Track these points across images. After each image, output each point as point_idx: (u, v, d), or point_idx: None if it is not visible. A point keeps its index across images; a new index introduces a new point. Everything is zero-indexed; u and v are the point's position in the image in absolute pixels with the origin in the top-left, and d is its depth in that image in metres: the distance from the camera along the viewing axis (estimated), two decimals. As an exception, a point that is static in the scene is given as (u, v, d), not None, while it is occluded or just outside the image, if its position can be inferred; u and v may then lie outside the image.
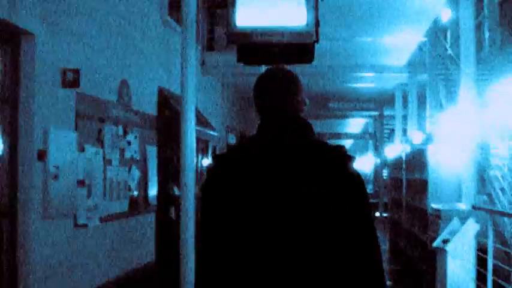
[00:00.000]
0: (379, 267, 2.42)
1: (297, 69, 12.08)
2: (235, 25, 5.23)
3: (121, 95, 10.13)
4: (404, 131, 17.39)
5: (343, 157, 2.46)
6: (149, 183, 11.24)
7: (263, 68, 11.71)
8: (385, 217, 21.09)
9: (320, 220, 2.36)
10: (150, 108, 11.53)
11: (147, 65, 11.44)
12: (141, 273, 10.74)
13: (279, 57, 6.68)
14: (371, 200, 16.70)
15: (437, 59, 13.65)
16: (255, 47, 6.17)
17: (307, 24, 5.18)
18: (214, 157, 2.67)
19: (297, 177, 2.41)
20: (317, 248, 2.36)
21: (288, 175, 2.42)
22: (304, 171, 2.42)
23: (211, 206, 2.54)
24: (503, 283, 8.06)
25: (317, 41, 5.23)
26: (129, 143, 10.28)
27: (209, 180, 2.59)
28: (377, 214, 24.52)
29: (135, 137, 10.60)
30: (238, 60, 5.80)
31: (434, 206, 9.31)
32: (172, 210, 11.86)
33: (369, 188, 27.50)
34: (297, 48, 5.98)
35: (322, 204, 2.37)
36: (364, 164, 32.88)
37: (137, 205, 10.66)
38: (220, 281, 2.45)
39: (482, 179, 10.51)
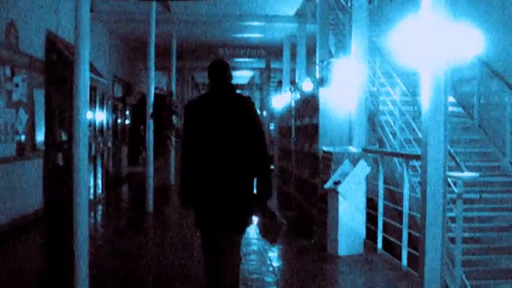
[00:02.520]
0: (265, 147, 5.27)
1: (184, 16, 11.81)
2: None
3: (8, 35, 9.69)
4: (292, 82, 17.52)
5: (249, 100, 5.42)
6: (37, 128, 10.88)
7: (152, 22, 11.35)
8: (271, 170, 21.33)
9: (237, 126, 5.19)
10: (38, 51, 11.12)
11: (35, 7, 10.98)
12: (30, 219, 10.43)
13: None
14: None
15: (328, 8, 13.74)
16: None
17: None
18: (190, 100, 5.89)
19: (228, 106, 5.26)
20: (236, 138, 5.17)
21: (223, 106, 5.25)
22: (231, 103, 5.27)
23: (185, 119, 5.32)
24: (392, 223, 8.32)
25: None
26: (16, 85, 9.88)
27: (186, 107, 5.41)
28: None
29: (23, 79, 10.19)
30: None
31: (325, 148, 9.43)
32: (60, 156, 11.57)
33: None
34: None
35: (238, 118, 5.21)
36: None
37: (24, 150, 10.30)
38: (191, 154, 5.23)
39: (373, 124, 10.74)
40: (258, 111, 5.61)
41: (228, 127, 5.17)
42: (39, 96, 11.02)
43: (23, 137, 10.19)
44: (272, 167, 21.03)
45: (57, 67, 11.49)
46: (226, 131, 5.17)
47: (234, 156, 5.16)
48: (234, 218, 5.18)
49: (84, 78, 6.33)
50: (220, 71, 5.32)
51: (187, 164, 5.27)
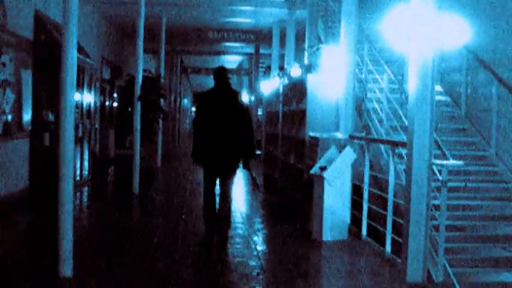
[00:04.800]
0: (252, 130, 8.33)
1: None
2: None
3: (-4, 14, 9.62)
4: (281, 68, 17.50)
5: (240, 93, 8.65)
6: (23, 108, 10.81)
7: (142, 4, 11.28)
8: (258, 155, 21.36)
9: (232, 112, 8.07)
10: (26, 31, 11.03)
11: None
12: (15, 198, 10.40)
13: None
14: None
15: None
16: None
17: None
18: (201, 91, 10.07)
19: (227, 98, 8.16)
20: (232, 122, 8.02)
21: (224, 98, 8.15)
22: (229, 97, 8.19)
23: (198, 105, 8.37)
24: (377, 209, 8.36)
25: None
26: (3, 64, 9.80)
27: (200, 95, 8.67)
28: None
29: (10, 59, 10.11)
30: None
31: (312, 134, 9.45)
32: (47, 136, 11.51)
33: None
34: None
35: (234, 107, 8.11)
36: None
37: (11, 129, 10.24)
38: (201, 129, 8.11)
39: (360, 111, 10.77)
40: (245, 98, 7.65)
41: (226, 112, 8.07)
42: (27, 76, 10.96)
43: (9, 117, 10.14)
44: (259, 152, 21.08)
45: (45, 47, 11.41)
46: (225, 115, 8.05)
47: (229, 131, 8.02)
48: (227, 169, 8.16)
49: (71, 59, 6.31)
50: (222, 75, 8.27)
51: (198, 135, 8.22)
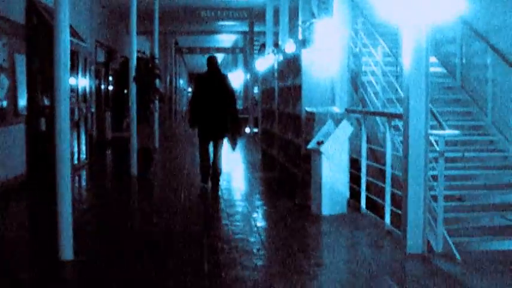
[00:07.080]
0: (236, 105, 11.05)
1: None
2: None
3: (-14, -2, 9.56)
4: (276, 45, 17.42)
5: (227, 76, 11.18)
6: (18, 93, 10.78)
7: None
8: (255, 133, 21.34)
9: (223, 90, 10.67)
10: (19, 16, 10.98)
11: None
12: (13, 184, 10.41)
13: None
14: (242, 116, 17.58)
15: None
16: None
17: None
18: (198, 73, 13.09)
19: (217, 80, 10.75)
20: (222, 99, 10.62)
21: (215, 80, 10.73)
22: (220, 78, 10.82)
23: (196, 84, 11.15)
24: (376, 182, 8.38)
25: None
26: (-4, 50, 9.79)
27: (197, 76, 11.73)
28: (247, 130, 24.76)
29: (3, 44, 10.07)
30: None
31: (308, 109, 9.44)
32: (43, 121, 11.49)
33: (239, 104, 27.58)
34: None
35: (224, 85, 10.75)
36: (233, 80, 32.50)
37: (6, 115, 10.22)
38: (196, 103, 10.75)
39: (355, 85, 10.75)
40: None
41: (216, 90, 10.52)
42: (21, 61, 10.93)
43: (4, 103, 10.12)
44: (256, 129, 21.11)
45: (38, 31, 11.37)
46: (215, 92, 10.50)
47: (219, 105, 10.49)
48: (218, 134, 10.59)
49: (64, 43, 6.26)
50: (213, 61, 10.83)
51: (194, 108, 10.74)
